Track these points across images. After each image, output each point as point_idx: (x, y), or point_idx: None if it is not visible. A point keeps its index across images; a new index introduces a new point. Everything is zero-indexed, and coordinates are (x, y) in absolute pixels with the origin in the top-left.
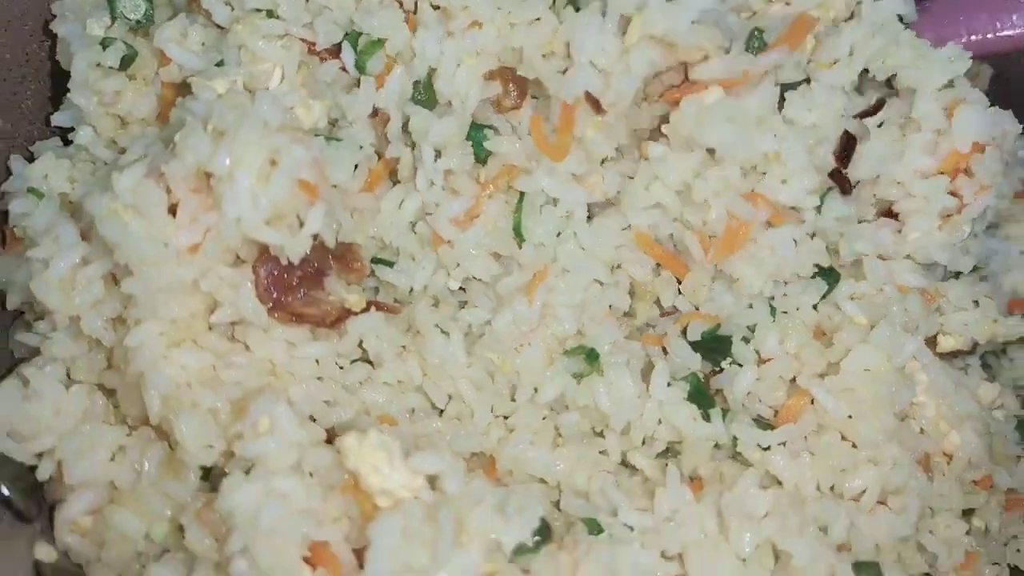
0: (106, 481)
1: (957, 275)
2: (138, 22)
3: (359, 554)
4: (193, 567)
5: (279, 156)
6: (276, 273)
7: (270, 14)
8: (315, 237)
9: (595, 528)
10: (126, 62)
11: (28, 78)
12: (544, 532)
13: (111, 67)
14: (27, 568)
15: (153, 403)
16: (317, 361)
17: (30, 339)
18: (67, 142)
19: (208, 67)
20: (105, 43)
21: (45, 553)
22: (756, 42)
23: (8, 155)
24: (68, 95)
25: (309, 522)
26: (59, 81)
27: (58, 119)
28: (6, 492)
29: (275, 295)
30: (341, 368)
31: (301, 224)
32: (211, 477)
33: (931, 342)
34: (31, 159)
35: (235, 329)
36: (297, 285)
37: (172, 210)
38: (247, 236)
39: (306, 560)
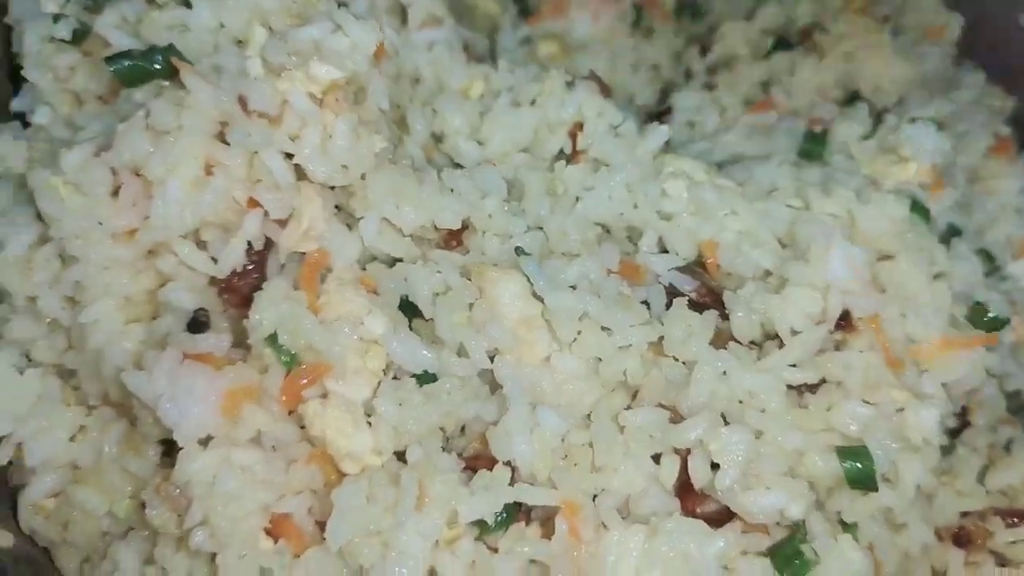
0: (67, 461)
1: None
2: (93, 1)
3: (322, 526)
4: (156, 543)
5: (215, 166)
6: None
7: None
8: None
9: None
10: (78, 36)
11: None
12: (511, 513)
13: (64, 41)
14: None
15: (112, 379)
16: None
17: None
18: (27, 126)
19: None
20: (57, 18)
21: (4, 539)
22: None
23: None
24: (24, 73)
25: (269, 493)
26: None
27: (17, 104)
28: None
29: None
30: None
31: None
32: (172, 453)
33: None
34: None
35: None
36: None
37: (116, 192)
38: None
39: (267, 531)
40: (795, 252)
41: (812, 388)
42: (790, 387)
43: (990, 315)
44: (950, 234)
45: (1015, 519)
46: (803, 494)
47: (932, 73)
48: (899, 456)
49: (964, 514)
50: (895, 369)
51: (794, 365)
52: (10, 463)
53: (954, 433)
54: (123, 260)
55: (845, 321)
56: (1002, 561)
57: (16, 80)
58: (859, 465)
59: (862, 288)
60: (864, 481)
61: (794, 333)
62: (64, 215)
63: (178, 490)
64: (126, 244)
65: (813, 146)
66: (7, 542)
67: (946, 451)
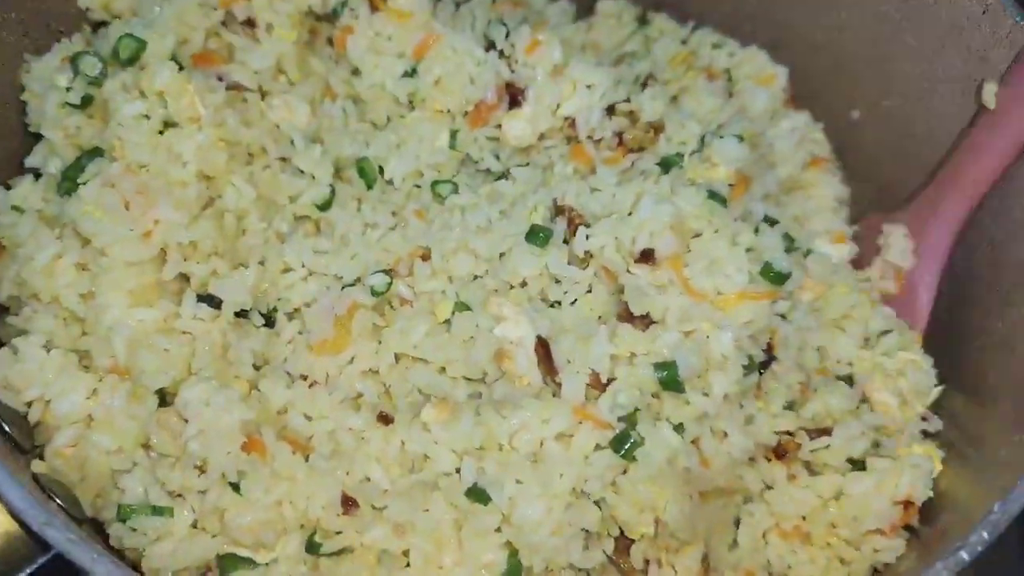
0: (84, 415)
1: None
2: (95, 78)
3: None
4: (156, 469)
5: None
6: None
7: None
8: None
9: None
10: (86, 101)
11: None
12: None
13: (74, 106)
14: (28, 475)
15: (120, 347)
16: None
17: (18, 321)
18: (37, 178)
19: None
20: (68, 89)
21: (40, 466)
22: None
23: None
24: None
25: (248, 412)
26: (28, 139)
27: (30, 161)
28: (7, 428)
29: None
30: None
31: None
32: (165, 403)
33: None
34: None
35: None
36: None
37: (127, 207)
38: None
39: (242, 447)
40: None
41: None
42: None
43: (775, 271)
44: (768, 224)
45: (817, 434)
46: (633, 391)
47: (761, 111)
48: (707, 372)
49: (779, 434)
50: (701, 302)
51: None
52: (37, 424)
53: (763, 366)
54: (145, 257)
55: (650, 257)
56: (812, 470)
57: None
58: (667, 372)
59: (662, 231)
60: (672, 384)
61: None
62: (103, 229)
63: (175, 417)
64: (146, 243)
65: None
66: (45, 468)
67: (750, 371)
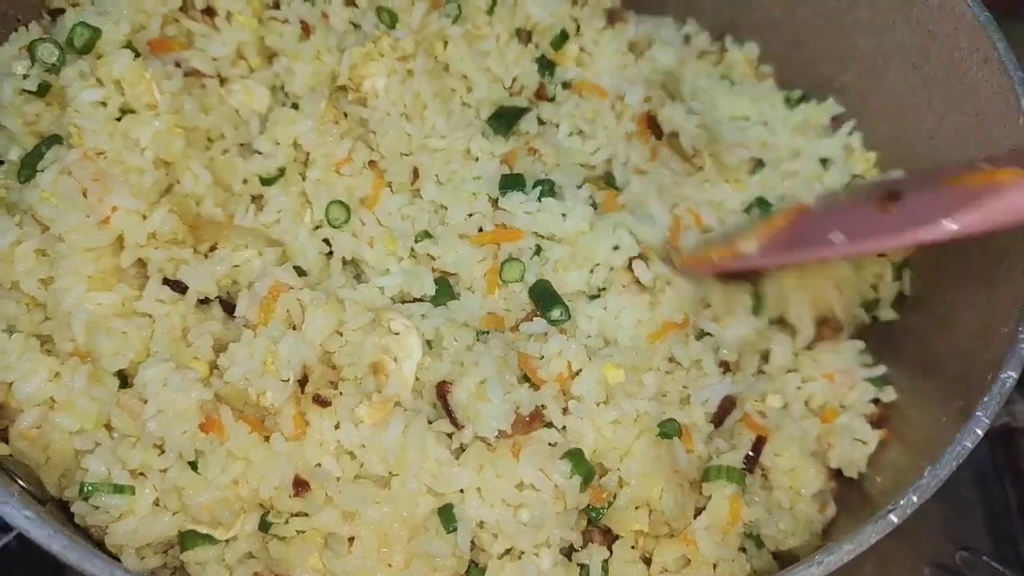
0: (47, 397)
1: None
2: (53, 65)
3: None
4: (117, 449)
5: None
6: None
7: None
8: None
9: None
10: (43, 88)
11: None
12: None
13: (32, 92)
14: None
15: (79, 330)
16: None
17: None
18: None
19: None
20: (25, 76)
21: (1, 448)
22: None
23: None
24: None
25: (205, 392)
26: None
27: None
28: None
29: None
30: None
31: None
32: (125, 384)
33: None
34: None
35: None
36: None
37: (84, 193)
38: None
39: (200, 427)
40: None
41: None
42: None
43: None
44: None
45: None
46: None
47: None
48: None
49: None
50: None
51: None
52: (0, 407)
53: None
54: (103, 242)
55: None
56: None
57: None
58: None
59: None
60: None
61: None
62: (61, 216)
63: (135, 398)
64: (104, 230)
65: None
66: (5, 451)
67: None
